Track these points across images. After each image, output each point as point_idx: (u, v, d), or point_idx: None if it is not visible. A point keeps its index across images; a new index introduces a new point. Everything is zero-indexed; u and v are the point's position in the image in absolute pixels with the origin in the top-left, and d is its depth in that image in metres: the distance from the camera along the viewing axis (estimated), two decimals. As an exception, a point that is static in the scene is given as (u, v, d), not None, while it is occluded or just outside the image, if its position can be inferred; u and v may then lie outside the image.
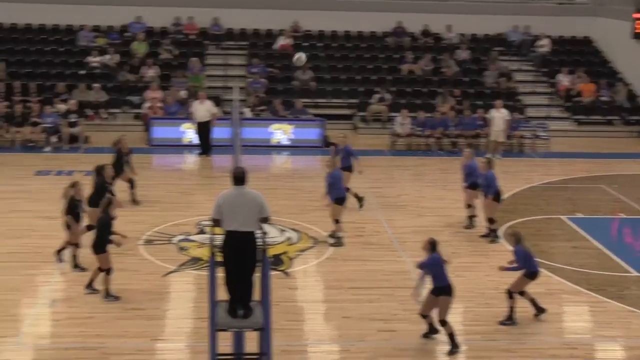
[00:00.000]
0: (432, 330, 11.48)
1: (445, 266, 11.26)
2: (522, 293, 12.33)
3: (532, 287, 12.60)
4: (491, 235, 15.71)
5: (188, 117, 23.10)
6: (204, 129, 22.40)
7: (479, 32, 30.51)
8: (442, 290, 11.16)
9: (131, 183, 17.27)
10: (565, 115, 27.43)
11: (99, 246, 12.38)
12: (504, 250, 15.25)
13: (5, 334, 11.33)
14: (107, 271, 12.45)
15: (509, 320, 12.15)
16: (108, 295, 12.49)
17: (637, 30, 27.74)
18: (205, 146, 22.48)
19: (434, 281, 11.23)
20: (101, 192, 14.41)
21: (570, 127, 26.92)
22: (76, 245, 13.57)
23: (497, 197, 15.55)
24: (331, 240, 15.37)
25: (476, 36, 30.52)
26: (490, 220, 15.70)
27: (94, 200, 14.12)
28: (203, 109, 22.38)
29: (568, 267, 14.54)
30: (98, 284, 12.64)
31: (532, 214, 17.43)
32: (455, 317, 12.36)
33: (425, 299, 11.39)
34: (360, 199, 17.48)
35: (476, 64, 28.85)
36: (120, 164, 16.89)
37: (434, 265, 11.21)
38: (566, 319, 12.76)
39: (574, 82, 27.92)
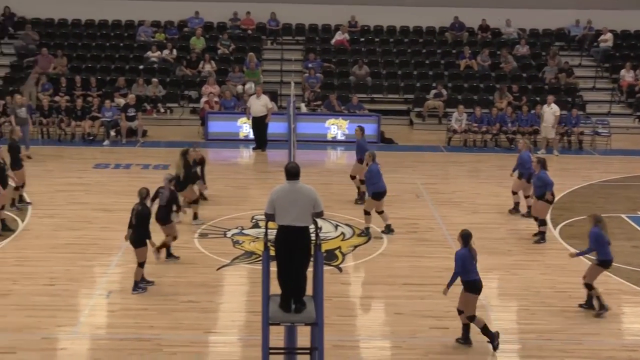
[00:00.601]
0: (464, 337, 11.22)
1: (474, 262, 11.02)
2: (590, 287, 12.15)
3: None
4: (539, 236, 15.44)
5: (244, 112, 23.27)
6: (260, 124, 22.52)
7: (539, 27, 30.02)
8: (466, 285, 10.99)
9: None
10: (627, 111, 26.82)
11: (139, 240, 12.51)
12: (561, 249, 15.04)
13: (63, 323, 11.57)
14: (141, 264, 12.58)
15: (602, 308, 12.07)
16: (137, 287, 12.63)
17: (703, 25, 27.01)
18: (261, 141, 22.60)
19: (461, 276, 11.02)
20: (187, 176, 15.26)
21: (633, 123, 26.30)
22: (174, 238, 13.86)
23: (549, 198, 15.26)
24: (382, 236, 15.35)
25: (536, 31, 30.03)
26: (542, 222, 15.42)
27: (181, 184, 14.99)
28: (259, 103, 22.49)
29: (627, 267, 14.20)
30: (147, 275, 12.83)
31: (590, 211, 16.83)
32: (509, 315, 12.26)
33: (460, 294, 11.23)
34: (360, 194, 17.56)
35: (535, 60, 28.40)
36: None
37: (458, 259, 10.98)
38: (625, 320, 12.48)
39: (638, 77, 27.29)
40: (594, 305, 12.33)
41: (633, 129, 25.91)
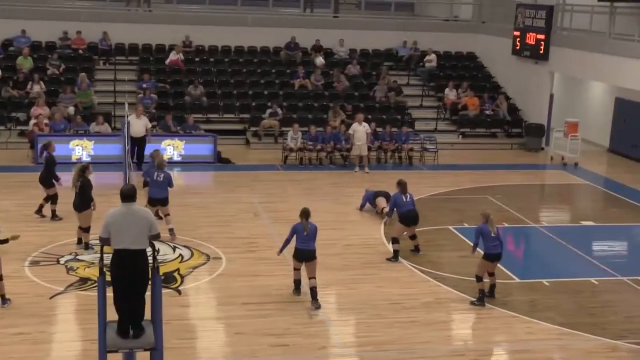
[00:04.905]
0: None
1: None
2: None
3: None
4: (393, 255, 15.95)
5: (77, 134, 22.55)
6: (141, 143, 22.06)
7: (368, 47, 31.14)
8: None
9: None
10: (452, 128, 28.24)
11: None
12: (396, 262, 15.60)
13: None
14: None
15: (480, 301, 13.69)
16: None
17: (517, 47, 28.96)
18: (140, 161, 22.14)
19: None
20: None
21: (457, 139, 27.72)
22: None
23: (403, 219, 16.00)
24: (221, 256, 15.37)
25: (366, 51, 31.14)
26: (394, 240, 15.96)
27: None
28: (140, 124, 22.05)
29: (455, 276, 14.95)
30: None
31: (421, 225, 17.67)
32: (348, 329, 12.57)
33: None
34: None
35: (366, 79, 29.41)
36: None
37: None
38: (454, 326, 13.16)
39: (460, 96, 28.84)
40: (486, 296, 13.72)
41: (457, 145, 27.29)
